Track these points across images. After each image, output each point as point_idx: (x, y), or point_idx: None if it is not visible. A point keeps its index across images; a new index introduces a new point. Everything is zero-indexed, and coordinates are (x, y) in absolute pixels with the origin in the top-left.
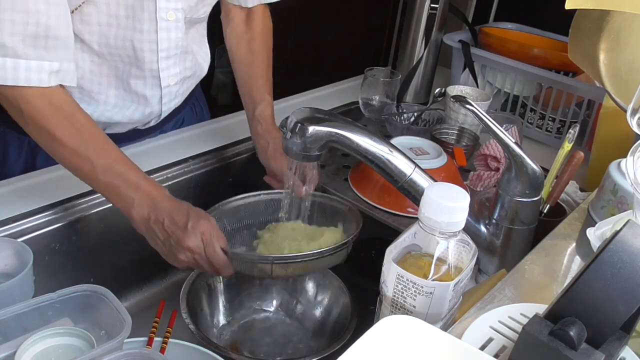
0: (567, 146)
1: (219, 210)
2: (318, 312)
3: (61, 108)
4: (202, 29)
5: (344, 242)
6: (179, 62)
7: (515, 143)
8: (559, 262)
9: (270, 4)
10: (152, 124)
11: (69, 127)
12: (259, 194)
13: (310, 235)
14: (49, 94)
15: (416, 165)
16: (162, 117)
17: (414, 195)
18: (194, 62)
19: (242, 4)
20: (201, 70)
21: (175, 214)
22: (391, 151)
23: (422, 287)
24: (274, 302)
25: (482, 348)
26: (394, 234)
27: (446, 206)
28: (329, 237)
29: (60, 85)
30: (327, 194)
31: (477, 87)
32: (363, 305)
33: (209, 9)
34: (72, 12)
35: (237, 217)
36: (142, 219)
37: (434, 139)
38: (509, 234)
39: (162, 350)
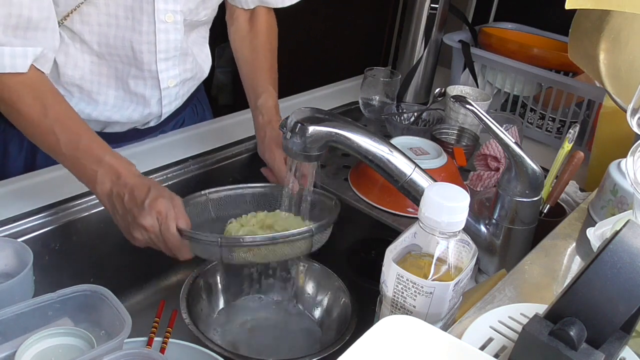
0: (567, 146)
1: (206, 197)
2: (318, 312)
3: (32, 86)
4: (204, 31)
5: (305, 229)
6: (178, 64)
7: (515, 143)
8: (559, 262)
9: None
10: (151, 124)
11: (35, 101)
12: (251, 186)
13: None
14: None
15: (416, 165)
16: (163, 118)
17: (414, 195)
18: (194, 64)
19: (244, 7)
20: (202, 72)
21: (136, 190)
22: (391, 151)
23: (422, 287)
24: (274, 302)
25: (482, 348)
26: (394, 234)
27: (446, 206)
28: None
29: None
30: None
31: (477, 87)
32: (363, 305)
33: (210, 12)
34: (72, 12)
35: (224, 206)
36: (104, 194)
37: (434, 139)
38: (509, 234)
39: (162, 350)
